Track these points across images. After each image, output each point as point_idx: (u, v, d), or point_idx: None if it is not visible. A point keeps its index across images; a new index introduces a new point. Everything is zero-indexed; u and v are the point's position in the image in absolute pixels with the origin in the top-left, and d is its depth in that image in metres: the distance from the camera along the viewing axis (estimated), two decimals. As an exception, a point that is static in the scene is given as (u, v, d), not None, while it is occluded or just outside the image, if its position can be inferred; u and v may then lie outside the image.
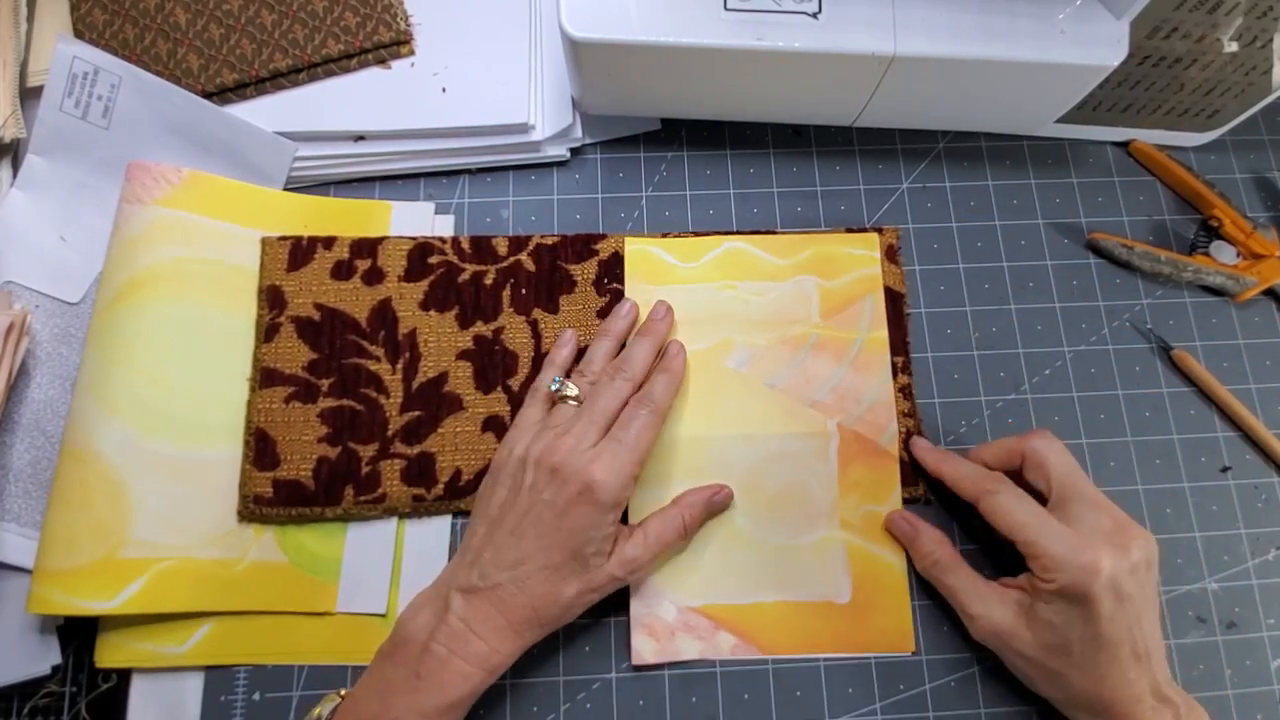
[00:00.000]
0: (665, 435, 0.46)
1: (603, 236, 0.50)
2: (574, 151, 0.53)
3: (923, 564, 0.44)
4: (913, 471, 0.47)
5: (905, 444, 0.47)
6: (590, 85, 0.48)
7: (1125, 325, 0.51)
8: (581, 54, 0.44)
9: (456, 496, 0.46)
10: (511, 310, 0.49)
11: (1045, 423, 0.49)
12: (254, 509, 0.45)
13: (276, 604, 0.44)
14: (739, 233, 0.51)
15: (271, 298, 0.48)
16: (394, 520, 0.46)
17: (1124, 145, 0.55)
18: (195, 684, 0.43)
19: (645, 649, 0.44)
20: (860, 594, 0.45)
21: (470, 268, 0.49)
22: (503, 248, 0.50)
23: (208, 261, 0.47)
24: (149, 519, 0.43)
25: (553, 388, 0.44)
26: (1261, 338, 0.52)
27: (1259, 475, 0.49)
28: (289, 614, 0.44)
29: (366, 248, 0.49)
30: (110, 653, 0.43)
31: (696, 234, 0.51)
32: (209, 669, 0.43)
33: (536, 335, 0.48)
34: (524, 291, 0.49)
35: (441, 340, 0.48)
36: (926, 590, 0.45)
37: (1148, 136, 0.54)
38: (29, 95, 0.50)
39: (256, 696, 0.43)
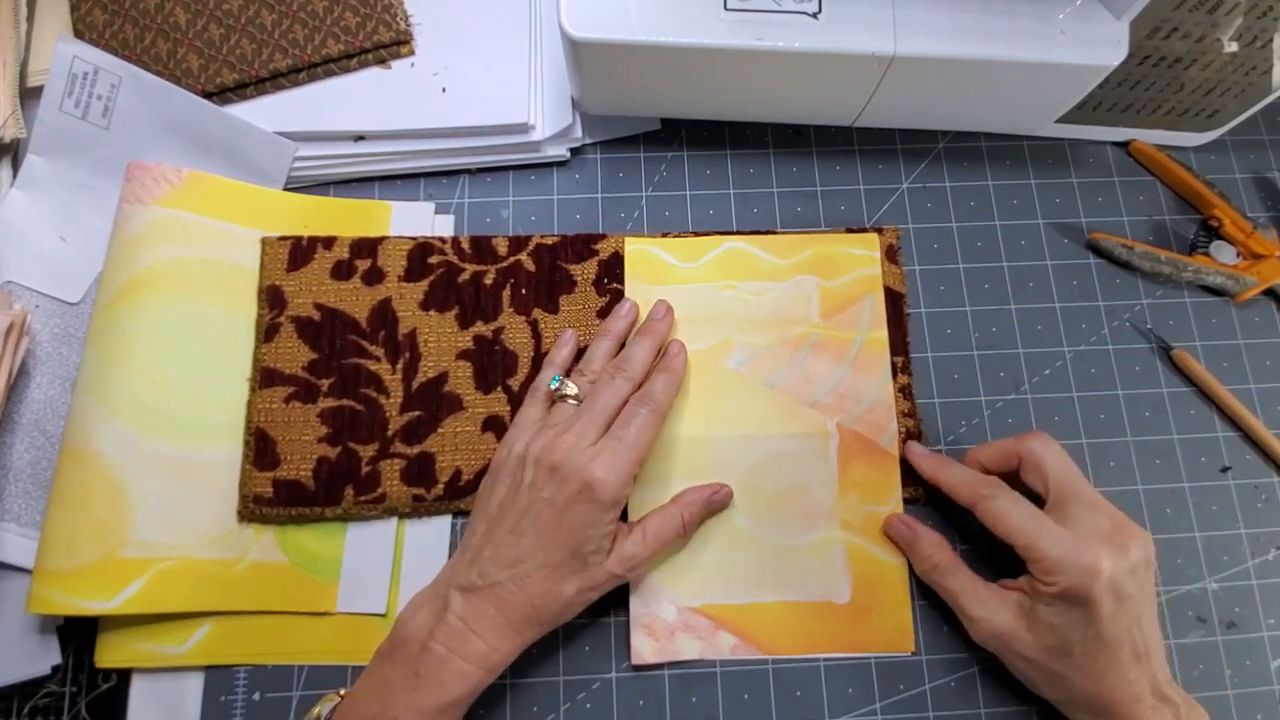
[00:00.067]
0: (665, 435, 0.46)
1: (603, 236, 0.50)
2: (574, 151, 0.53)
3: (922, 568, 0.44)
4: (911, 472, 0.47)
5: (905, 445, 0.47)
6: (590, 85, 0.48)
7: (1125, 325, 0.51)
8: (581, 54, 0.44)
9: (456, 496, 0.46)
10: (511, 310, 0.49)
11: (1045, 423, 0.49)
12: (254, 509, 0.45)
13: (276, 604, 0.44)
14: (739, 233, 0.51)
15: (271, 298, 0.48)
16: (394, 520, 0.46)
17: (1124, 145, 0.55)
18: (195, 684, 0.43)
19: (645, 649, 0.44)
20: (860, 594, 0.45)
21: (470, 268, 0.49)
22: (503, 248, 0.50)
23: (208, 261, 0.47)
24: (149, 519, 0.43)
25: (552, 386, 0.44)
26: (1261, 338, 0.52)
27: (1259, 475, 0.49)
28: (289, 614, 0.44)
29: (366, 248, 0.49)
30: (110, 653, 0.43)
31: (696, 234, 0.51)
32: (209, 669, 0.43)
33: (536, 335, 0.48)
34: (524, 291, 0.49)
35: (441, 340, 0.48)
36: (926, 590, 0.45)
37: (1148, 136, 0.54)
38: (29, 95, 0.50)
39: (256, 696, 0.43)
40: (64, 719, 0.43)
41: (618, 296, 0.49)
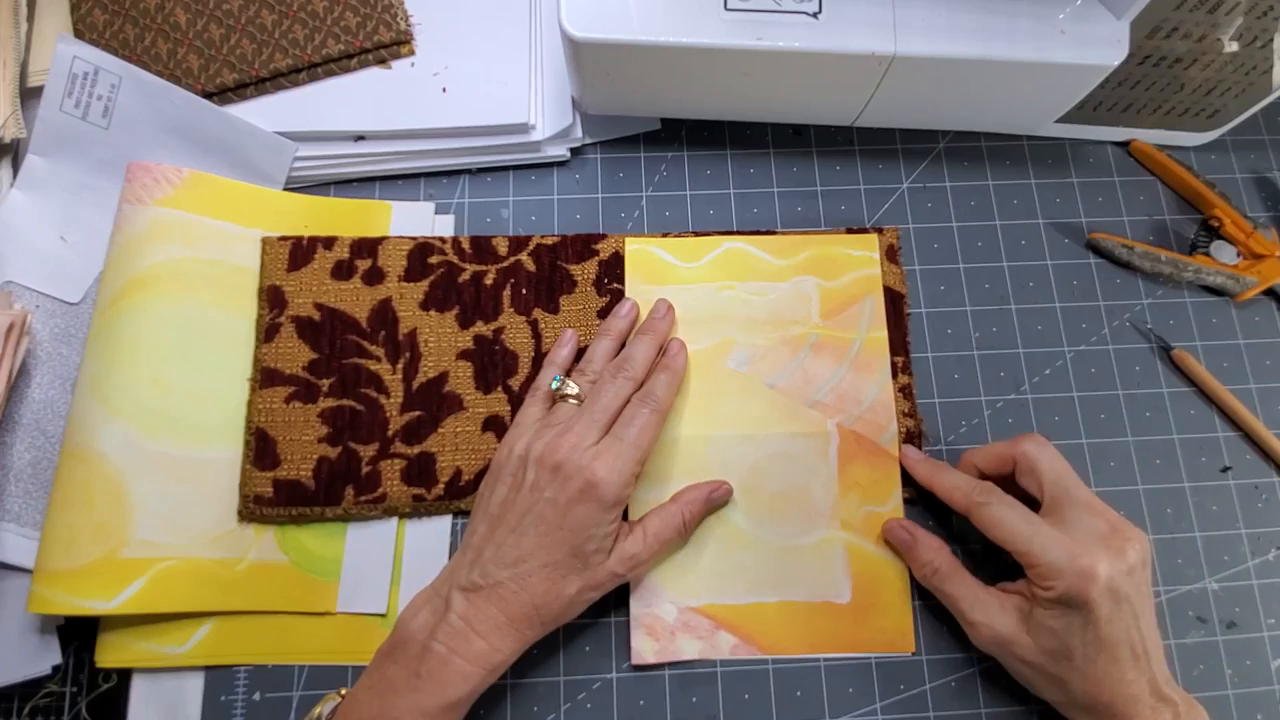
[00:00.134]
0: (665, 435, 0.46)
1: (603, 236, 0.50)
2: (574, 151, 0.53)
3: (922, 572, 0.44)
4: (907, 474, 0.47)
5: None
6: (590, 85, 0.48)
7: (1125, 325, 0.51)
8: (581, 54, 0.44)
9: (457, 496, 0.46)
10: (512, 310, 0.49)
11: (1045, 423, 0.49)
12: (254, 509, 0.45)
13: (277, 604, 0.44)
14: (739, 233, 0.51)
15: (272, 298, 0.48)
16: (394, 520, 0.46)
17: (1124, 145, 0.55)
18: (195, 684, 0.43)
19: (645, 649, 0.44)
20: (860, 594, 0.45)
21: (470, 268, 0.49)
22: (503, 248, 0.50)
23: (208, 261, 0.47)
24: (150, 519, 0.43)
25: (553, 386, 0.44)
26: (1261, 338, 0.52)
27: (1259, 475, 0.49)
28: (289, 614, 0.44)
29: (367, 248, 0.49)
30: (110, 653, 0.43)
31: (696, 234, 0.51)
32: (209, 669, 0.43)
33: (537, 335, 0.48)
34: (524, 291, 0.49)
35: (442, 340, 0.48)
36: (926, 591, 0.45)
37: (1148, 136, 0.54)
38: (29, 95, 0.50)
39: (257, 696, 0.43)
40: (64, 719, 0.43)
41: (618, 296, 0.49)
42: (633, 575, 0.43)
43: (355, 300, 0.48)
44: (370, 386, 0.47)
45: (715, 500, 0.45)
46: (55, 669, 0.43)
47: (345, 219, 0.50)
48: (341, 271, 0.48)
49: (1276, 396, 0.50)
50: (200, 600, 0.43)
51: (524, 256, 0.50)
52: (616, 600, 0.44)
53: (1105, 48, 0.44)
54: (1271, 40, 0.46)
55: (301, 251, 0.48)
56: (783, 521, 0.46)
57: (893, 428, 0.47)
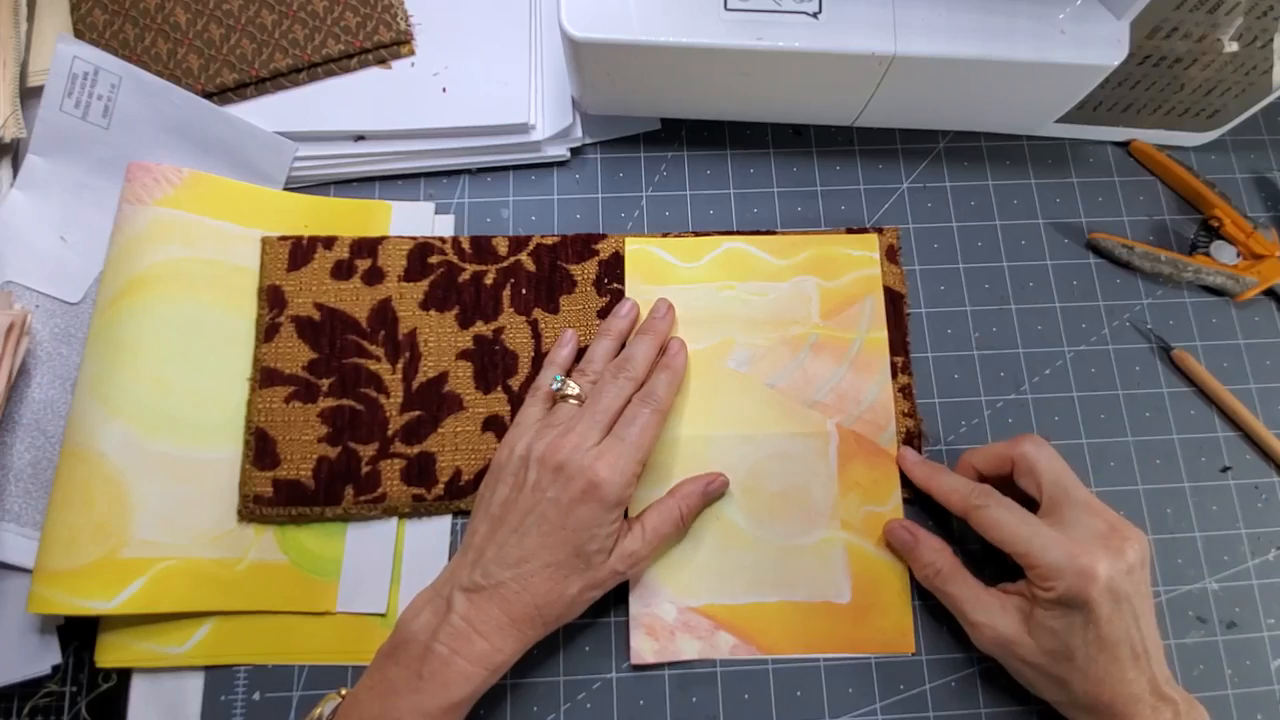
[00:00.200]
0: (666, 435, 0.46)
1: (603, 236, 0.50)
2: (574, 151, 0.53)
3: (923, 574, 0.44)
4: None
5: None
6: (590, 85, 0.48)
7: (1125, 325, 0.51)
8: (581, 54, 0.44)
9: (456, 496, 0.46)
10: (512, 310, 0.49)
11: (1045, 423, 0.49)
12: (254, 509, 0.45)
13: (276, 604, 0.44)
14: (739, 233, 0.51)
15: (272, 297, 0.48)
16: (394, 520, 0.46)
17: (1124, 145, 0.55)
18: (195, 684, 0.43)
19: (645, 649, 0.44)
20: (860, 594, 0.45)
21: (470, 268, 0.49)
22: (503, 248, 0.50)
23: (208, 261, 0.47)
24: (150, 519, 0.43)
25: (554, 386, 0.44)
26: (1261, 338, 0.52)
27: (1259, 475, 0.49)
28: (289, 614, 0.44)
29: (366, 248, 0.49)
30: (110, 653, 0.43)
31: (696, 234, 0.51)
32: (209, 669, 0.43)
33: (537, 335, 0.48)
34: (524, 291, 0.49)
35: (441, 340, 0.48)
36: (926, 591, 0.45)
37: (1148, 136, 0.54)
38: (29, 95, 0.50)
39: (257, 696, 0.43)
40: (64, 719, 0.43)
41: (618, 296, 0.49)
42: (633, 572, 0.43)
43: (355, 300, 0.48)
44: (370, 386, 0.47)
45: (711, 493, 0.45)
46: (55, 669, 0.43)
47: (345, 219, 0.50)
48: (341, 271, 0.48)
49: (1276, 396, 0.50)
50: (200, 600, 0.43)
51: (524, 256, 0.50)
52: (616, 600, 0.44)
53: (1105, 48, 0.44)
54: (1271, 40, 0.46)
55: (301, 251, 0.48)
56: (782, 521, 0.46)
57: (892, 428, 0.47)
